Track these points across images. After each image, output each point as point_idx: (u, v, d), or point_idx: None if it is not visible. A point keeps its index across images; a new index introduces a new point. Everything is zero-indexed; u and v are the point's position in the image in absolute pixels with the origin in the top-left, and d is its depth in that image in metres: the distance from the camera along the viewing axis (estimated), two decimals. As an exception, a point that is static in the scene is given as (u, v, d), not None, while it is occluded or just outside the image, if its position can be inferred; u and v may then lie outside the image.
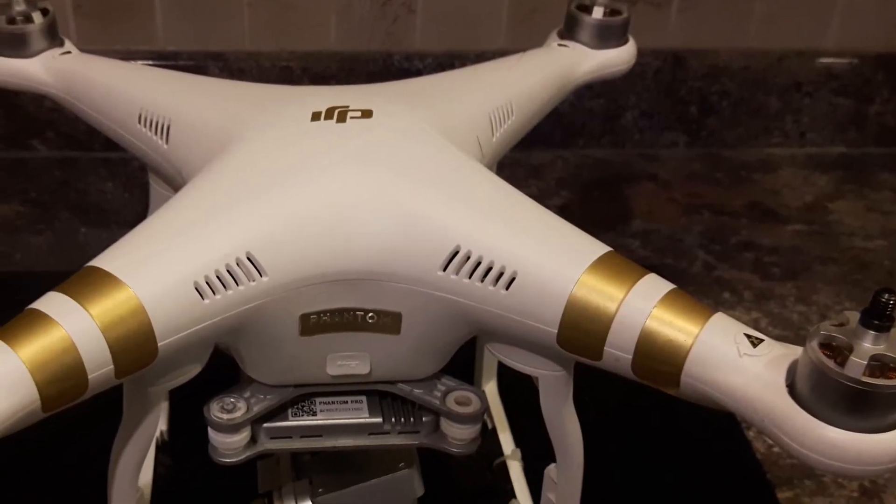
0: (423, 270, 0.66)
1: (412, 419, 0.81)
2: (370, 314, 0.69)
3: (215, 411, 0.75)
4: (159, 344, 0.60)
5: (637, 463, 1.19)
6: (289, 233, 0.64)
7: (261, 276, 0.62)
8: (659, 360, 0.58)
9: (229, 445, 0.77)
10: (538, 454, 0.86)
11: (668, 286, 0.61)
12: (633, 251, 1.56)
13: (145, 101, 0.90)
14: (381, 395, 0.81)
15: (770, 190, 1.78)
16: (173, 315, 0.60)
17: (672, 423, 1.20)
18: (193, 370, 0.70)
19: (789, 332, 1.40)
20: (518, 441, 1.16)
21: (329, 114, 0.76)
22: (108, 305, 0.57)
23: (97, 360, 0.56)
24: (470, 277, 0.65)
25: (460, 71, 1.04)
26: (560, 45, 1.07)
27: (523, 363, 0.73)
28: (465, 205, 0.69)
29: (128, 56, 1.61)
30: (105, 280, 0.59)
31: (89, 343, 0.55)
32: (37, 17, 0.99)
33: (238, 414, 0.75)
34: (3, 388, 0.52)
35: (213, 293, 0.61)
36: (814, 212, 1.73)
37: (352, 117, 0.76)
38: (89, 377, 0.56)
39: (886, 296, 0.47)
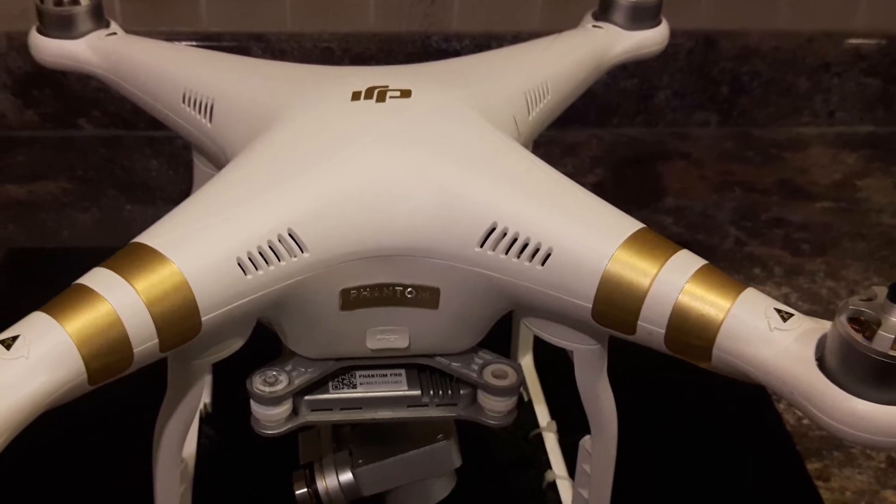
0: (461, 247, 0.66)
1: (450, 392, 0.81)
2: (409, 289, 0.69)
3: (257, 384, 0.75)
4: (203, 318, 0.60)
5: (669, 434, 1.19)
6: (329, 210, 0.64)
7: (302, 252, 0.62)
8: (691, 334, 0.58)
9: (271, 418, 0.77)
10: (573, 426, 0.85)
11: (700, 262, 0.60)
12: (665, 228, 1.56)
13: (189, 82, 0.90)
14: (419, 368, 0.81)
15: (800, 168, 1.77)
16: (216, 290, 0.60)
17: (704, 395, 1.19)
18: (236, 344, 0.70)
19: (818, 307, 1.39)
20: (553, 413, 1.16)
21: (369, 93, 0.76)
22: (153, 281, 0.57)
23: (142, 335, 0.56)
24: (506, 253, 0.64)
25: (497, 51, 1.03)
26: (594, 26, 1.06)
27: (558, 337, 0.73)
28: (501, 182, 0.69)
29: (172, 37, 1.62)
30: (150, 256, 0.59)
31: (134, 318, 0.55)
32: (83, -1, 0.99)
33: (280, 387, 0.75)
34: (50, 362, 0.51)
35: (256, 269, 0.62)
36: (842, 189, 1.72)
37: (391, 97, 0.76)
38: (134, 351, 0.56)
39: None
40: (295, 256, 0.62)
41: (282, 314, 0.71)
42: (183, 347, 0.61)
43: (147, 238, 0.61)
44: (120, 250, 0.60)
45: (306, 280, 0.65)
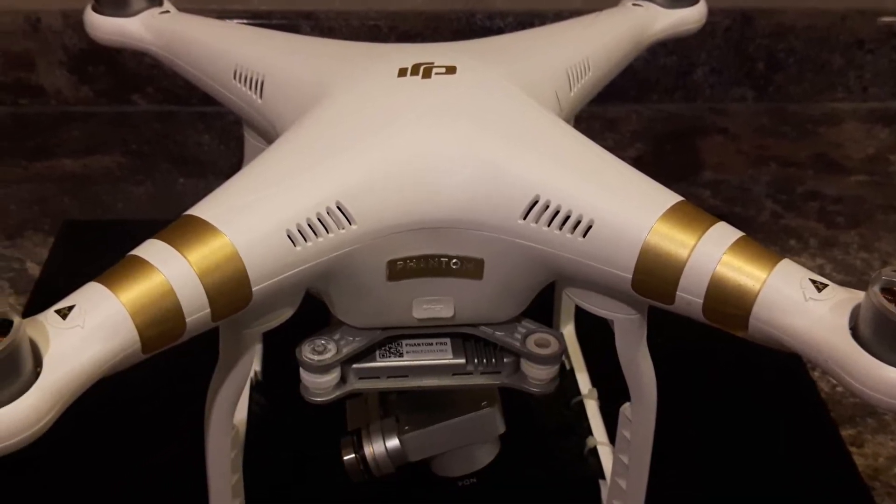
0: (504, 219, 0.65)
1: (494, 360, 0.81)
2: (454, 260, 0.69)
3: (307, 353, 0.76)
4: (253, 289, 0.60)
5: (706, 401, 1.19)
6: (377, 183, 0.64)
7: (350, 224, 0.62)
8: (728, 303, 0.58)
9: (320, 385, 0.77)
10: (614, 393, 0.85)
11: (738, 234, 0.60)
12: (703, 200, 1.55)
13: (240, 58, 0.90)
14: (464, 337, 0.81)
15: (834, 142, 1.76)
16: (267, 261, 0.60)
17: (740, 364, 1.19)
18: (286, 314, 0.70)
19: (852, 278, 1.39)
20: (594, 381, 1.16)
21: (415, 70, 0.76)
22: (205, 252, 0.57)
23: (194, 304, 0.56)
24: (549, 225, 0.64)
25: (539, 29, 1.03)
26: (634, 4, 1.06)
27: (599, 307, 0.73)
28: (544, 156, 0.69)
29: (223, 15, 1.62)
30: (202, 228, 0.59)
31: (187, 288, 0.56)
32: (138, -23, 1.00)
33: (328, 355, 0.75)
34: (105, 331, 0.52)
35: (305, 240, 0.61)
36: (876, 163, 1.71)
37: (436, 73, 0.76)
38: (187, 320, 0.56)
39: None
40: (343, 228, 0.62)
41: (330, 285, 0.71)
42: (234, 317, 0.61)
43: (199, 210, 0.61)
44: (173, 222, 0.60)
45: (354, 251, 0.64)
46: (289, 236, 0.61)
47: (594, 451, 1.07)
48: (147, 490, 1.07)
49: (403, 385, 0.82)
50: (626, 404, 0.83)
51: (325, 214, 0.61)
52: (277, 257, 0.61)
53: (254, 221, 0.61)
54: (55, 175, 1.62)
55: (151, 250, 0.57)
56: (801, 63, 1.83)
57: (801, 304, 0.54)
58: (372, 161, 0.65)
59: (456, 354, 0.81)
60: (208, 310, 0.57)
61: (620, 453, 0.88)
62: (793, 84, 1.85)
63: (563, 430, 1.13)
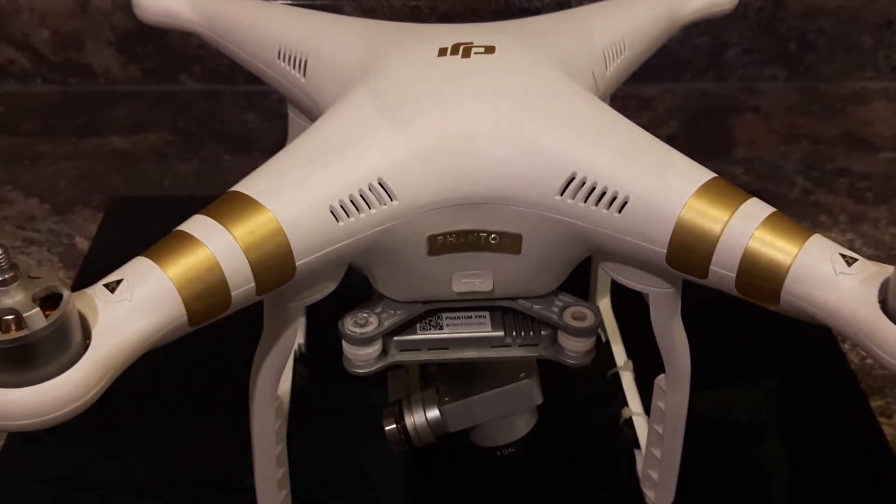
0: (542, 195, 0.65)
1: (531, 333, 0.81)
2: (493, 235, 0.68)
3: (349, 325, 0.76)
4: (297, 263, 0.60)
5: (739, 373, 1.19)
6: (417, 160, 0.64)
7: (391, 199, 0.62)
8: (761, 277, 0.57)
9: (362, 357, 0.77)
10: (649, 365, 0.85)
11: (770, 209, 0.60)
12: (736, 177, 1.54)
13: (284, 39, 0.90)
14: (503, 310, 0.81)
15: (863, 121, 1.75)
16: (310, 236, 0.60)
17: (771, 336, 1.19)
18: (329, 288, 0.71)
19: (882, 253, 1.38)
20: (630, 353, 1.16)
21: (455, 49, 0.75)
22: (250, 227, 0.57)
23: (239, 279, 0.57)
24: (585, 201, 0.64)
25: (576, 10, 1.03)
26: (668, -14, 1.05)
27: (634, 281, 0.72)
28: (580, 134, 0.68)
29: (267, -3, 1.62)
30: (247, 204, 0.59)
31: (232, 263, 0.56)
32: (184, -41, 1.00)
33: (370, 328, 0.76)
34: (152, 305, 0.52)
35: (347, 216, 0.60)
36: (905, 140, 1.70)
37: (476, 53, 0.76)
38: (232, 294, 0.56)
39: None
40: (385, 204, 0.62)
41: (372, 259, 0.71)
42: (278, 291, 0.62)
43: (244, 187, 0.61)
44: (218, 198, 0.61)
45: (395, 227, 0.64)
46: (331, 212, 0.61)
47: (629, 421, 1.08)
48: (193, 459, 1.08)
49: (443, 357, 0.82)
50: (661, 376, 0.83)
51: (367, 191, 0.61)
52: (320, 232, 0.61)
53: (297, 198, 0.61)
54: (104, 152, 1.63)
55: (197, 225, 0.57)
56: (831, 43, 1.82)
57: (832, 279, 0.54)
58: (413, 139, 0.65)
59: (495, 327, 0.81)
60: (253, 284, 0.58)
61: (655, 423, 0.88)
62: (823, 64, 1.84)
63: (600, 400, 1.13)
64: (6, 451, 1.08)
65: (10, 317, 0.45)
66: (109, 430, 1.07)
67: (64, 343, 0.47)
